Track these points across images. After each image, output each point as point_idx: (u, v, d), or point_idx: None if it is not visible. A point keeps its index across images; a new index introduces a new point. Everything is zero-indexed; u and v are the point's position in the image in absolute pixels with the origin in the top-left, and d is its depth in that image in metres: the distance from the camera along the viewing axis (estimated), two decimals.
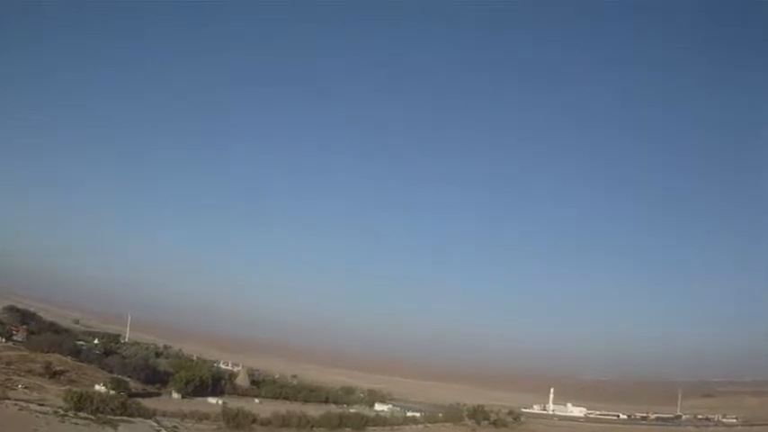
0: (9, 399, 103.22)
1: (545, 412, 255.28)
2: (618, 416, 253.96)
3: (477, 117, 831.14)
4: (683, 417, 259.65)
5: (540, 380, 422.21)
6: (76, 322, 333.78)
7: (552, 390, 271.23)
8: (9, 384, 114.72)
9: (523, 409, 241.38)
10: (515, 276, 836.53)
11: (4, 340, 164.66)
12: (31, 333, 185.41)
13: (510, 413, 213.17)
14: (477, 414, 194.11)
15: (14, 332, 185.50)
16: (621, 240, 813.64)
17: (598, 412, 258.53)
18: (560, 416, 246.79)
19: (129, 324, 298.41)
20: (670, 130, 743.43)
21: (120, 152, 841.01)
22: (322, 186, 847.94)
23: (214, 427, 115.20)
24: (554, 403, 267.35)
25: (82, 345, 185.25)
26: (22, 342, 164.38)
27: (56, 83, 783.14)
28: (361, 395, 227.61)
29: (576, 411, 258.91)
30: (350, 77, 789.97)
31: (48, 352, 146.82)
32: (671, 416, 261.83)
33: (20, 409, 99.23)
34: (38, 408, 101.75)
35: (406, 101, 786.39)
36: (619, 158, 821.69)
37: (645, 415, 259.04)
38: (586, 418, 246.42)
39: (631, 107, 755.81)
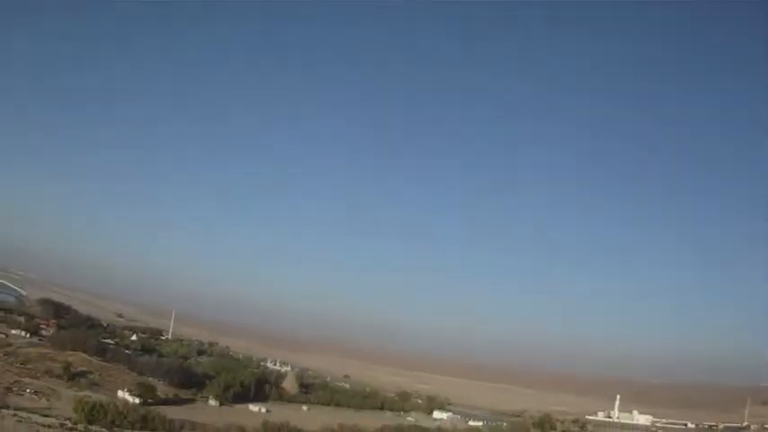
0: (8, 408, 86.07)
1: (610, 420, 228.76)
2: (686, 425, 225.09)
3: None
4: (752, 427, 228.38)
5: (590, 382, 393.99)
6: (120, 316, 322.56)
7: (618, 396, 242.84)
8: (16, 388, 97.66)
9: (588, 416, 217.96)
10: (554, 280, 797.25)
11: (28, 335, 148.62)
12: (61, 328, 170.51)
13: (575, 421, 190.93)
14: (545, 424, 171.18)
15: (44, 327, 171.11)
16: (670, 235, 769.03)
17: (665, 420, 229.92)
18: (626, 424, 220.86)
19: (173, 319, 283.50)
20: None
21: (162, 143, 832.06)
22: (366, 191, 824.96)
23: None
24: (619, 410, 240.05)
25: (110, 343, 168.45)
26: (48, 338, 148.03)
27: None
28: (419, 401, 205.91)
29: (643, 419, 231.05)
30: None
31: (72, 350, 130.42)
32: (738, 425, 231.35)
33: (18, 421, 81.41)
34: (41, 419, 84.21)
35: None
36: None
37: (713, 425, 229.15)
38: (655, 428, 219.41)
39: None
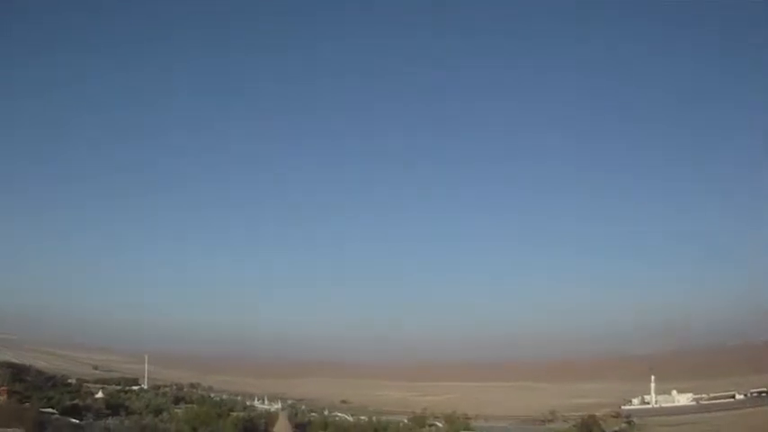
0: None
1: (648, 406, 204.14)
2: (734, 396, 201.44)
3: None
4: None
5: (600, 365, 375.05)
6: (96, 368, 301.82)
7: (653, 378, 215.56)
8: None
9: (623, 406, 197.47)
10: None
11: None
12: (16, 393, 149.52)
13: (616, 416, 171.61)
14: (592, 427, 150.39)
15: None
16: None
17: (707, 396, 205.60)
18: (669, 408, 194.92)
19: (146, 365, 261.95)
20: None
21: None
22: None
23: None
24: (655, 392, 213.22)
25: (52, 412, 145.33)
26: None
27: None
28: (438, 425, 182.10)
29: (683, 399, 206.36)
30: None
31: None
32: None
33: None
34: None
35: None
36: None
37: (763, 390, 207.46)
38: (703, 407, 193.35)
39: None
